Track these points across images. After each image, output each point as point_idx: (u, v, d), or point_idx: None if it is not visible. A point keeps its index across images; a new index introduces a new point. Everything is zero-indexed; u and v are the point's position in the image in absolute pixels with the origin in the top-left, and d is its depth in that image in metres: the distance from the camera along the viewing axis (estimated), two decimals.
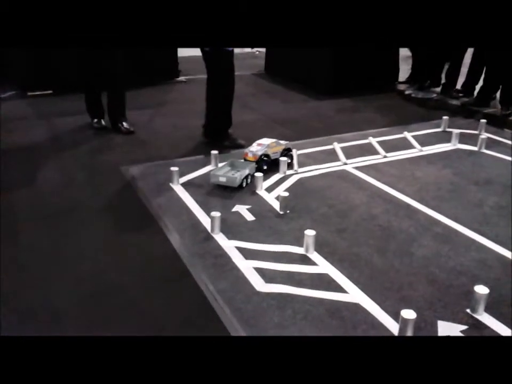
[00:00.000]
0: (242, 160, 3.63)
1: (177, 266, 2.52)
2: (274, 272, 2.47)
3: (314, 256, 2.61)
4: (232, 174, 3.41)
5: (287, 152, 3.79)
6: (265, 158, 3.63)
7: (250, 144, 3.79)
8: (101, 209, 3.10)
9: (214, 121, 4.18)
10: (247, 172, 3.43)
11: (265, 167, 3.63)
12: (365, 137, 4.40)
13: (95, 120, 4.63)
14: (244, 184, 3.38)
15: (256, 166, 3.58)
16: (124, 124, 4.54)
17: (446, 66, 5.69)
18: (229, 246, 2.69)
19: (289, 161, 3.75)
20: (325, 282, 2.40)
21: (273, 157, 3.69)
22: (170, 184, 3.42)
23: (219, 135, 4.19)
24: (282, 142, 3.82)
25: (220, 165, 3.64)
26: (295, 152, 3.86)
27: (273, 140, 3.78)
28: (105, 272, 2.47)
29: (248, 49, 8.78)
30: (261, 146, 3.68)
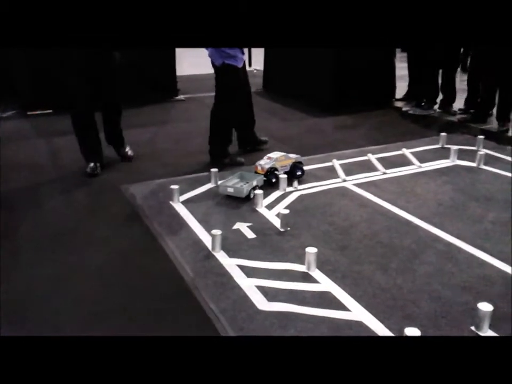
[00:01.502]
0: (252, 173, 3.72)
1: (179, 285, 2.50)
2: (276, 290, 2.45)
3: (316, 273, 2.60)
4: (240, 185, 3.49)
5: (297, 165, 3.84)
6: (274, 171, 3.71)
7: (253, 161, 3.84)
8: (102, 229, 3.09)
9: (214, 138, 4.21)
10: (254, 183, 3.53)
11: (274, 180, 3.70)
12: (364, 153, 4.42)
13: (91, 164, 3.89)
14: (252, 196, 3.46)
15: (265, 179, 3.66)
16: (128, 148, 4.31)
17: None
18: (230, 264, 2.67)
19: (300, 173, 3.82)
20: (327, 300, 2.38)
21: (282, 170, 3.76)
22: (171, 202, 3.41)
23: (220, 152, 4.22)
24: (292, 155, 3.87)
25: (229, 177, 3.72)
26: (260, 177, 3.75)
27: (283, 154, 3.84)
28: (107, 292, 2.45)
29: (247, 68, 8.86)
30: (269, 159, 3.76)
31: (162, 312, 2.30)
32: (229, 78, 4.04)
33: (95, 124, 3.95)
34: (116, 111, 4.14)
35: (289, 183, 3.71)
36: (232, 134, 4.26)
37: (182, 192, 3.52)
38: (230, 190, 3.48)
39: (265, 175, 3.69)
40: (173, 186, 3.44)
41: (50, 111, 5.65)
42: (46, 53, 4.87)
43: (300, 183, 3.77)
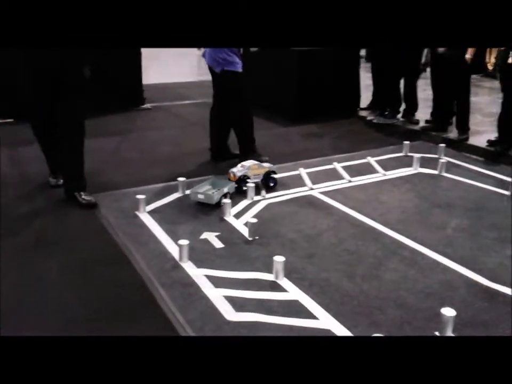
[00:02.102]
0: (224, 180, 3.74)
1: (145, 297, 2.46)
2: (244, 300, 2.44)
3: (284, 282, 2.60)
4: (211, 192, 3.49)
5: (270, 175, 3.86)
6: (245, 179, 3.73)
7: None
8: (65, 239, 3.00)
9: (216, 138, 4.43)
10: (225, 190, 3.53)
11: (245, 188, 3.70)
12: (330, 162, 4.47)
13: (51, 178, 3.74)
14: (223, 202, 3.43)
15: (237, 186, 3.66)
16: (83, 194, 3.47)
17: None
18: (197, 274, 2.65)
19: (273, 184, 3.85)
20: (295, 309, 2.39)
21: (254, 179, 3.78)
22: (137, 212, 3.36)
23: (226, 155, 4.42)
24: (265, 164, 3.90)
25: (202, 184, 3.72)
26: (232, 184, 3.76)
27: (256, 162, 3.87)
28: (70, 305, 2.38)
29: None
30: (242, 167, 3.79)
31: (127, 323, 2.25)
32: (230, 82, 4.20)
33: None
34: (77, 131, 3.47)
35: (257, 192, 3.71)
36: (252, 134, 4.41)
37: (148, 202, 3.47)
38: (201, 196, 3.48)
39: (236, 183, 3.70)
40: (138, 196, 3.39)
41: (11, 120, 5.48)
42: (4, 58, 4.70)
43: (267, 191, 3.78)
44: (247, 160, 3.96)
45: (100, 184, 3.85)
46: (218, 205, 3.43)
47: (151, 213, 3.37)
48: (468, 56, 4.86)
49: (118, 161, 4.44)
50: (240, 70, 4.19)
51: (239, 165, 3.83)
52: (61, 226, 3.17)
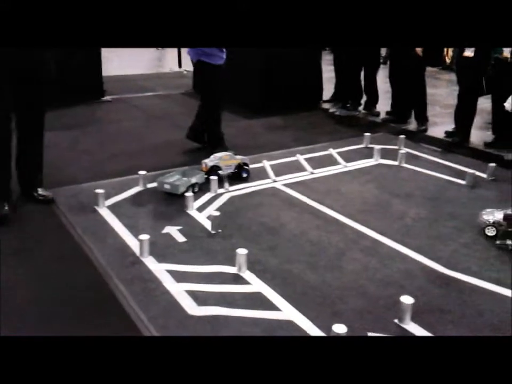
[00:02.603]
0: (197, 170, 3.74)
1: (105, 294, 2.40)
2: (207, 294, 2.42)
3: (247, 275, 2.60)
4: (177, 182, 3.47)
5: (243, 166, 3.87)
6: (216, 170, 3.73)
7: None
8: (22, 237, 2.89)
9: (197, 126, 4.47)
10: (193, 180, 3.53)
11: (214, 178, 3.70)
12: (293, 154, 4.49)
13: None
14: (191, 193, 3.42)
15: (206, 176, 3.68)
16: (39, 190, 3.33)
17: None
18: (159, 269, 2.61)
19: (245, 175, 3.86)
20: (258, 301, 2.39)
21: (226, 169, 3.79)
22: (96, 207, 3.27)
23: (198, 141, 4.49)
24: (237, 156, 3.91)
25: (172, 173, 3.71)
26: (202, 175, 3.76)
27: (228, 153, 3.88)
28: (27, 303, 2.30)
29: (176, 69, 8.74)
30: (214, 158, 3.79)
31: (88, 322, 2.19)
32: (204, 74, 4.20)
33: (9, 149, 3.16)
34: (39, 127, 3.32)
35: (220, 185, 3.69)
36: (220, 128, 4.42)
37: (107, 196, 3.39)
38: (167, 186, 3.47)
39: (207, 173, 3.70)
40: (97, 191, 3.30)
41: None
42: None
43: (230, 184, 3.76)
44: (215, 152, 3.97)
45: (57, 178, 3.72)
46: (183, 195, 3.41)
47: (110, 207, 3.30)
48: (418, 48, 4.97)
49: (76, 155, 4.32)
50: (217, 62, 4.19)
51: (212, 156, 3.83)
52: (17, 223, 3.05)
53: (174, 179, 3.58)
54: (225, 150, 4.21)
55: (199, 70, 4.30)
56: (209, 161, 3.77)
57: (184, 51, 8.92)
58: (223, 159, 3.81)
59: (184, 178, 3.60)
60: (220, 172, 3.76)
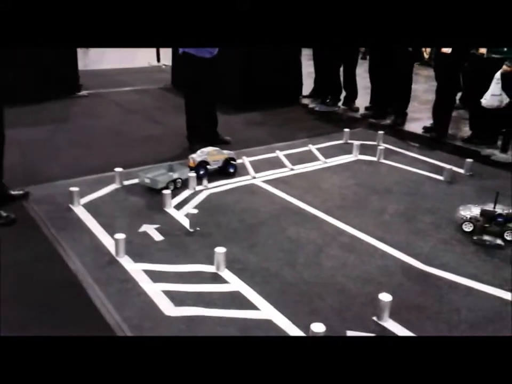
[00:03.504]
0: (182, 165, 3.72)
1: (78, 295, 2.34)
2: (184, 294, 2.38)
3: (225, 273, 2.57)
4: (157, 177, 3.46)
5: (230, 161, 3.87)
6: (204, 165, 3.73)
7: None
8: None
9: (195, 125, 4.35)
10: (174, 176, 3.51)
11: (201, 172, 3.69)
12: (273, 150, 4.47)
13: None
14: (172, 188, 3.43)
15: (194, 171, 3.66)
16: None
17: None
18: (135, 269, 2.55)
19: (232, 170, 3.86)
20: (236, 300, 2.36)
21: (214, 164, 3.79)
22: (71, 205, 3.19)
23: (205, 136, 4.34)
24: (225, 151, 3.90)
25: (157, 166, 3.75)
26: (185, 170, 3.73)
27: (215, 148, 3.86)
28: (2, 303, 2.24)
29: (155, 63, 8.62)
30: (202, 153, 3.77)
31: (60, 323, 2.13)
32: (189, 67, 4.15)
33: None
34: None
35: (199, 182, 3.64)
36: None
37: (83, 194, 3.31)
38: (147, 180, 3.47)
39: (194, 168, 3.68)
40: (72, 188, 3.22)
41: None
42: None
43: (209, 181, 3.72)
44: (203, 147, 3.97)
45: (31, 176, 3.63)
46: (164, 190, 3.38)
47: (86, 205, 3.22)
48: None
49: (50, 152, 4.21)
50: (203, 55, 4.11)
51: (198, 151, 3.81)
52: None
53: (156, 173, 3.55)
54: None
55: (184, 62, 4.22)
56: (197, 157, 3.74)
57: None
58: (211, 154, 3.79)
59: (166, 173, 3.57)
60: (208, 166, 3.74)
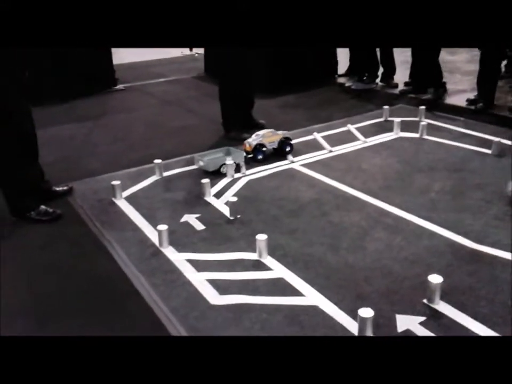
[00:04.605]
0: (237, 150, 3.76)
1: (125, 287, 2.38)
2: (228, 282, 2.38)
3: (268, 260, 2.54)
4: (210, 160, 3.58)
5: (285, 141, 3.89)
6: (261, 148, 3.77)
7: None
8: (41, 232, 2.89)
9: (231, 111, 4.34)
10: (228, 159, 3.57)
11: (260, 157, 3.76)
12: (310, 133, 4.38)
13: None
14: (224, 172, 3.52)
15: (251, 155, 3.74)
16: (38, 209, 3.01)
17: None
18: (179, 259, 2.57)
19: (289, 149, 3.88)
20: (280, 287, 2.34)
21: (270, 146, 3.83)
22: (113, 199, 3.25)
23: (230, 126, 4.34)
24: (279, 132, 3.92)
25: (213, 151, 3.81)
26: (241, 154, 3.78)
27: (270, 130, 3.89)
28: (49, 297, 2.31)
29: (187, 52, 8.63)
30: (257, 136, 3.81)
31: (110, 316, 2.18)
32: (224, 53, 4.12)
33: None
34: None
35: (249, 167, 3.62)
36: (235, 110, 4.35)
37: (124, 187, 3.36)
38: (201, 163, 3.58)
39: (252, 152, 3.73)
40: (114, 182, 3.27)
41: None
42: None
43: (247, 168, 3.69)
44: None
45: (73, 172, 3.72)
46: (219, 173, 3.53)
47: (128, 198, 3.27)
48: None
49: (91, 147, 4.30)
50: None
51: (253, 135, 3.84)
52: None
53: (211, 157, 3.64)
54: (239, 137, 4.15)
55: (222, 53, 4.19)
56: (252, 141, 3.77)
57: None
58: (266, 136, 3.81)
59: (220, 157, 3.64)
60: (264, 149, 3.76)
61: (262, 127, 4.42)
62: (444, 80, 5.20)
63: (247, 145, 3.77)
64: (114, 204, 3.21)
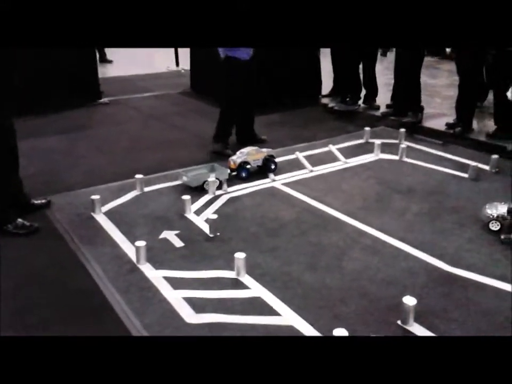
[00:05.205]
0: (221, 167, 3.78)
1: (100, 302, 2.36)
2: (205, 300, 2.37)
3: (246, 279, 2.55)
4: (194, 176, 3.60)
5: (270, 158, 3.92)
6: (245, 166, 3.79)
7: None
8: (17, 245, 2.85)
9: (218, 127, 4.39)
10: (211, 176, 3.59)
11: (243, 174, 3.78)
12: (292, 152, 4.42)
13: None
14: (208, 188, 3.53)
15: (235, 173, 3.78)
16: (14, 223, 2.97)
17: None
18: (156, 276, 2.56)
19: (273, 167, 3.92)
20: (257, 306, 2.34)
21: (254, 164, 3.85)
22: (92, 213, 3.23)
23: (220, 142, 4.36)
24: (263, 149, 3.95)
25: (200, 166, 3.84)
26: (225, 172, 3.79)
27: (254, 148, 3.92)
28: (23, 310, 2.27)
29: (173, 68, 8.68)
30: (241, 154, 3.83)
31: (82, 329, 2.14)
32: (231, 70, 4.19)
33: None
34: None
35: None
36: (232, 127, 4.42)
37: (104, 202, 3.34)
38: (185, 179, 3.60)
39: (236, 169, 3.75)
40: (93, 197, 3.25)
41: None
42: None
43: (229, 185, 3.70)
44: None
45: (53, 185, 3.68)
46: (202, 190, 3.54)
47: (107, 213, 3.25)
48: None
49: (72, 160, 4.27)
50: (244, 57, 4.18)
51: (238, 152, 3.86)
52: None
53: (195, 173, 3.66)
54: (223, 151, 4.19)
55: (228, 66, 4.25)
56: (237, 158, 3.80)
57: (181, 49, 8.87)
58: (251, 154, 3.84)
59: (204, 174, 3.65)
60: (248, 166, 3.80)
61: (263, 142, 4.53)
62: (422, 104, 5.32)
63: (232, 163, 3.80)
64: (93, 218, 3.18)
